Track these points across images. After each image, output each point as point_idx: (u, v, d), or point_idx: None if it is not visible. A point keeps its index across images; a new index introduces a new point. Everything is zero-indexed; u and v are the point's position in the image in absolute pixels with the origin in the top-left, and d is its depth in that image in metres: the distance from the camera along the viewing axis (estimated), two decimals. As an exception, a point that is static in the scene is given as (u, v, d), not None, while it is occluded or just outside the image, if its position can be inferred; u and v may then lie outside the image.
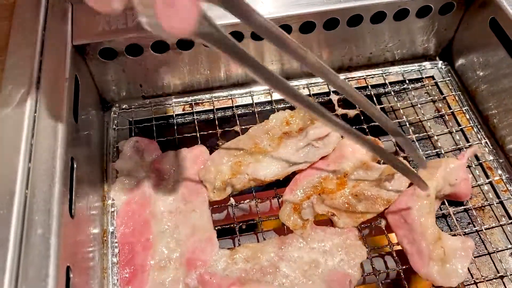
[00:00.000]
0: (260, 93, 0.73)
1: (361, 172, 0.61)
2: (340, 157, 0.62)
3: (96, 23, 0.60)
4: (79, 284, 0.47)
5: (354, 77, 0.75)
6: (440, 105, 0.73)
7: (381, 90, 0.75)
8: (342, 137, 0.64)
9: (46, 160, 0.46)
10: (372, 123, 0.69)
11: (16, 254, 0.40)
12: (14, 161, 0.45)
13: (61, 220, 0.43)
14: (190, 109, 0.72)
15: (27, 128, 0.48)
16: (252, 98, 0.73)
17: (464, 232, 0.60)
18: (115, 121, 0.69)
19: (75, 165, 0.51)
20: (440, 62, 0.78)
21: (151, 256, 0.55)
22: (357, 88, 0.74)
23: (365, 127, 0.68)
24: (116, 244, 0.57)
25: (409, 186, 0.59)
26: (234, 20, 0.62)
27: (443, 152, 0.67)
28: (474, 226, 0.61)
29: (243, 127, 0.68)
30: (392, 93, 0.74)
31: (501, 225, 0.61)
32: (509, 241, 0.60)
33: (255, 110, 0.71)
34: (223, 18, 0.62)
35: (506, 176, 0.65)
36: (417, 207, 0.55)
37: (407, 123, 0.69)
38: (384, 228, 0.59)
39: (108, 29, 0.60)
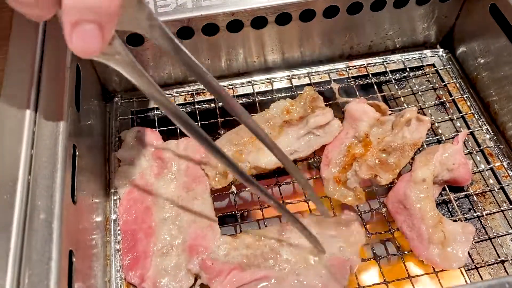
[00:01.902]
0: (261, 82, 0.74)
1: (376, 128, 0.63)
2: (353, 121, 0.64)
3: (97, 13, 0.61)
4: (82, 269, 0.48)
5: (355, 66, 0.75)
6: (441, 93, 0.73)
7: (382, 78, 0.75)
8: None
9: (48, 147, 0.47)
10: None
11: (19, 238, 0.41)
12: (17, 148, 0.46)
13: (63, 206, 0.44)
14: (191, 99, 0.72)
15: (29, 116, 0.48)
16: (253, 88, 0.73)
17: (465, 217, 0.60)
18: (117, 111, 0.70)
19: (77, 153, 0.52)
20: (441, 49, 0.78)
21: (154, 243, 0.56)
22: (358, 76, 0.75)
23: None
24: (119, 232, 0.58)
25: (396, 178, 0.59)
26: (233, 8, 0.63)
27: (444, 139, 0.67)
28: (475, 212, 0.61)
29: (244, 116, 0.68)
30: (393, 81, 0.74)
31: (502, 211, 0.61)
32: (510, 226, 0.60)
33: (256, 99, 0.71)
34: (221, 6, 0.63)
35: (507, 162, 0.65)
36: (415, 193, 0.56)
37: (408, 111, 0.70)
38: (384, 215, 0.60)
39: (109, 19, 0.60)
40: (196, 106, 0.71)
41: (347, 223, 0.57)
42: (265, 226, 0.59)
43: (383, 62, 0.76)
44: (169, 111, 0.41)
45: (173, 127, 0.67)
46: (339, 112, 0.69)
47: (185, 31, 0.64)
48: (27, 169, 0.45)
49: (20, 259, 0.40)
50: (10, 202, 0.42)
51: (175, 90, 0.72)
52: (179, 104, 0.71)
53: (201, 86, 0.73)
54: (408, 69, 0.75)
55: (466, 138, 0.67)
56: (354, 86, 0.73)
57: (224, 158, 0.44)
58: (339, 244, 0.55)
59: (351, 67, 0.75)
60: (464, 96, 0.72)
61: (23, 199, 0.43)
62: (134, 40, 0.64)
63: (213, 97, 0.72)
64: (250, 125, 0.47)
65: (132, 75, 0.39)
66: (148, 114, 0.70)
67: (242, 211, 0.61)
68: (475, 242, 0.58)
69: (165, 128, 0.67)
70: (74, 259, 0.45)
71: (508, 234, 0.59)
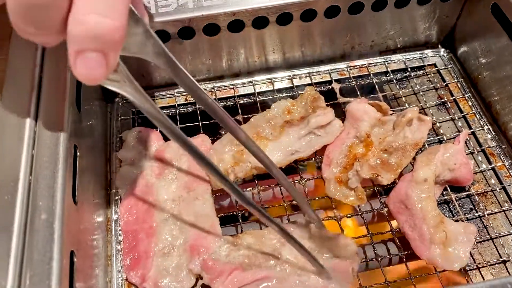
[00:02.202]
0: (262, 82, 0.74)
1: (378, 128, 0.63)
2: (354, 121, 0.64)
3: (98, 13, 0.61)
4: (84, 270, 0.48)
5: (356, 66, 0.75)
6: (443, 92, 0.73)
7: (383, 78, 0.75)
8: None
9: (49, 147, 0.47)
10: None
11: (20, 238, 0.41)
12: (18, 148, 0.46)
13: (64, 206, 0.43)
14: (193, 99, 0.72)
15: (30, 116, 0.48)
16: (254, 88, 0.73)
17: (467, 217, 0.60)
18: (118, 112, 0.70)
19: (78, 153, 0.51)
20: (442, 49, 0.78)
21: (155, 243, 0.56)
22: (359, 76, 0.75)
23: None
24: (120, 232, 0.58)
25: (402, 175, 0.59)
26: (234, 8, 0.63)
27: (445, 139, 0.67)
28: (477, 212, 0.61)
29: (245, 116, 0.68)
30: (394, 81, 0.74)
31: (503, 211, 0.61)
32: (512, 226, 0.60)
33: (257, 99, 0.71)
34: (222, 6, 0.63)
35: (509, 162, 0.65)
36: (416, 193, 0.56)
37: (409, 111, 0.69)
38: (386, 215, 0.60)
39: (110, 19, 0.60)
40: (198, 106, 0.71)
41: (334, 239, 0.55)
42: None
43: (384, 62, 0.76)
44: (173, 133, 0.41)
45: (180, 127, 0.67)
46: (340, 112, 0.68)
47: (186, 31, 0.64)
48: (28, 170, 0.45)
49: (22, 259, 0.40)
50: (11, 202, 0.42)
51: (176, 90, 0.72)
52: (180, 104, 0.71)
53: (202, 86, 0.72)
54: (409, 69, 0.75)
55: (468, 138, 0.67)
56: (355, 86, 0.73)
57: (230, 184, 0.44)
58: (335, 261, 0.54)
59: (352, 67, 0.75)
60: (466, 96, 0.72)
61: (24, 199, 0.43)
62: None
63: (214, 98, 0.72)
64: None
65: (138, 100, 0.39)
66: (149, 114, 0.70)
67: (243, 211, 0.61)
68: (477, 242, 0.58)
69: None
70: (75, 259, 0.45)
71: (510, 234, 0.59)
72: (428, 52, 0.78)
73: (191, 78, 0.43)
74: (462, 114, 0.70)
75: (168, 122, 0.41)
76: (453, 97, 0.72)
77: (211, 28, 0.65)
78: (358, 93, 0.71)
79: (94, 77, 0.34)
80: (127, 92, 0.39)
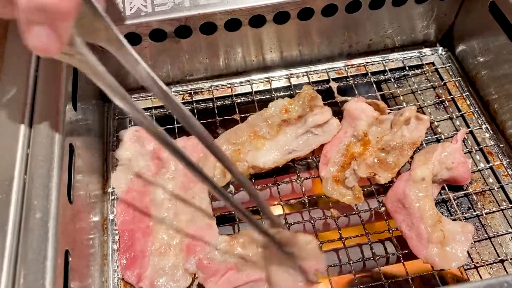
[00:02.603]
0: (259, 81, 0.73)
1: (375, 127, 0.63)
2: (352, 120, 0.64)
3: (94, 12, 0.60)
4: (79, 269, 0.48)
5: (354, 64, 0.75)
6: (441, 91, 0.73)
7: (381, 77, 0.75)
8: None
9: (45, 146, 0.47)
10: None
11: (15, 238, 0.41)
12: (13, 147, 0.45)
13: (59, 205, 0.43)
14: (190, 98, 0.72)
15: (26, 115, 0.48)
16: (251, 87, 0.73)
17: (465, 216, 0.60)
18: (115, 111, 0.70)
19: (74, 152, 0.51)
20: (441, 48, 0.78)
21: (151, 242, 0.56)
22: (357, 75, 0.74)
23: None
24: (117, 232, 0.58)
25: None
26: (231, 7, 0.63)
27: (443, 137, 0.67)
28: (475, 211, 0.61)
29: (242, 115, 0.68)
30: (392, 79, 0.74)
31: (501, 210, 0.61)
32: (510, 225, 0.59)
33: (254, 98, 0.71)
34: (219, 5, 0.63)
35: (507, 161, 0.65)
36: (414, 192, 0.56)
37: (407, 110, 0.69)
38: (383, 214, 0.59)
39: (106, 18, 0.60)
40: (194, 105, 0.70)
41: (294, 238, 0.52)
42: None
43: (382, 60, 0.76)
44: (134, 116, 0.42)
45: (171, 126, 0.67)
46: (338, 111, 0.68)
47: (182, 30, 0.64)
48: (23, 168, 0.45)
49: (16, 258, 0.40)
50: (6, 201, 0.42)
51: (173, 89, 0.72)
52: (177, 104, 0.71)
53: (199, 85, 0.73)
54: (407, 68, 0.75)
55: (466, 137, 0.66)
56: (353, 85, 0.72)
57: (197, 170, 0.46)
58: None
59: (350, 66, 0.75)
60: (464, 94, 0.72)
61: (19, 198, 0.43)
62: (132, 39, 0.64)
63: (211, 97, 0.72)
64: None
65: (94, 76, 0.38)
66: (146, 113, 0.69)
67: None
68: (475, 241, 0.57)
69: (163, 128, 0.67)
70: (70, 259, 0.44)
71: (507, 233, 0.59)
72: (426, 50, 0.77)
73: (145, 65, 0.43)
74: (460, 113, 0.70)
75: (128, 98, 0.40)
76: (451, 96, 0.72)
77: (208, 27, 0.64)
78: (356, 92, 0.71)
79: (45, 49, 0.34)
80: (82, 66, 0.38)
